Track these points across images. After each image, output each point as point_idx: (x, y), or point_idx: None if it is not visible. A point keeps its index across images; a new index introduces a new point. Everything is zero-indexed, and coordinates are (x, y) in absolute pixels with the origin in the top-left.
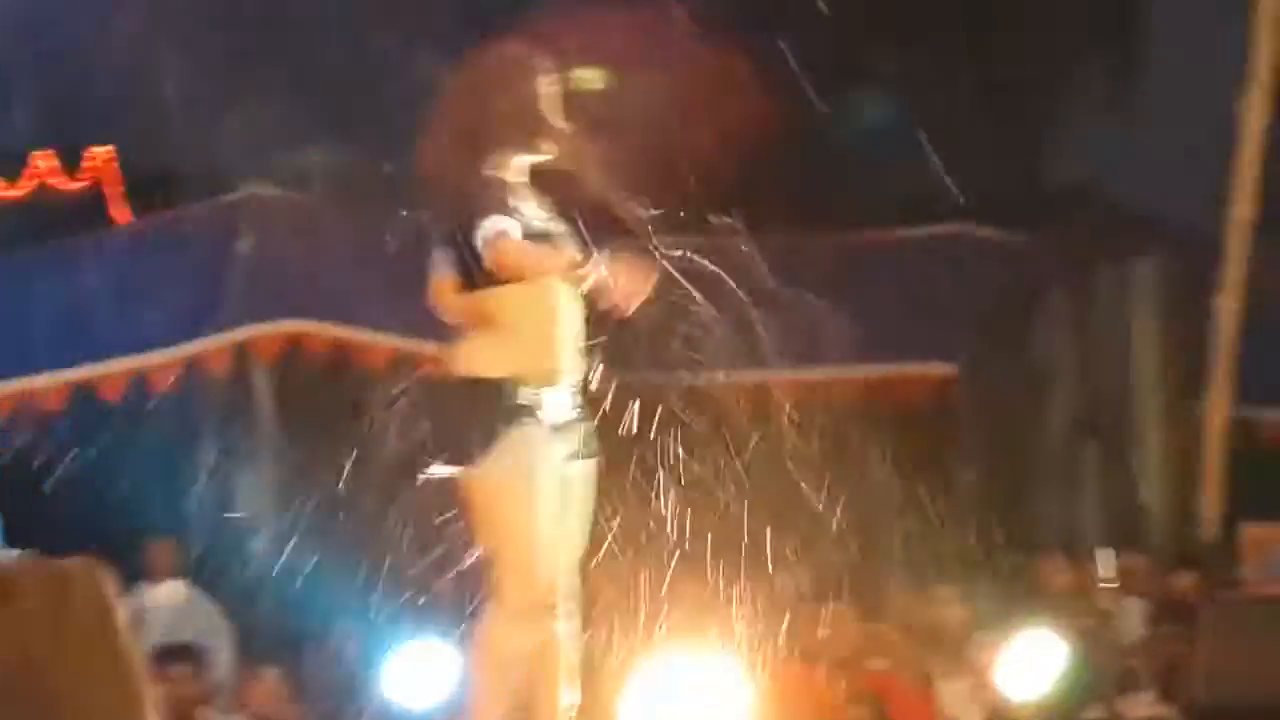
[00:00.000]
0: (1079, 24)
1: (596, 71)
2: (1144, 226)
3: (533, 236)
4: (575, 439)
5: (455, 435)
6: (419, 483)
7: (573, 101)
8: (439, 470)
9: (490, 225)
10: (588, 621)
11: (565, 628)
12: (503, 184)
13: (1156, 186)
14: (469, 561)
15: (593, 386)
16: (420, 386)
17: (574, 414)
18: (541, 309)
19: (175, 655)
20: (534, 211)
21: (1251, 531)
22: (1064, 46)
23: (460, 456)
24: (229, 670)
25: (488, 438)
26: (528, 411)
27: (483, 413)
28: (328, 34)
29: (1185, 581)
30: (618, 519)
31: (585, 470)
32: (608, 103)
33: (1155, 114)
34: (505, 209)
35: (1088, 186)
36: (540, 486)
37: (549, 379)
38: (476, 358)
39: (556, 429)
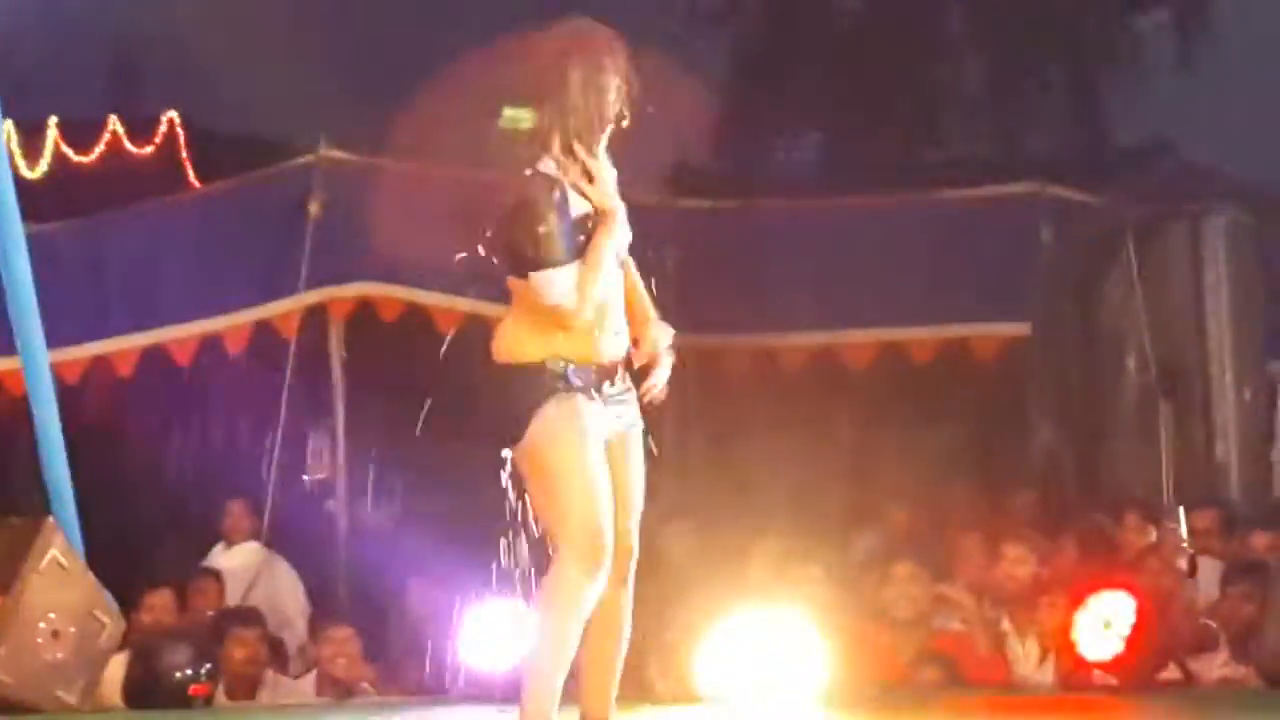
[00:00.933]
0: None
1: (526, 111)
2: (1215, 182)
3: (586, 221)
4: (622, 411)
5: (500, 413)
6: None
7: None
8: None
9: (543, 281)
10: (659, 583)
11: (624, 592)
12: (552, 183)
13: (1226, 142)
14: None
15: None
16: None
17: (618, 387)
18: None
19: (245, 617)
20: (595, 191)
21: None
22: (1132, 4)
23: (507, 432)
24: (303, 631)
25: (528, 411)
26: (570, 386)
27: (525, 390)
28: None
29: (1260, 541)
30: (689, 480)
31: (634, 441)
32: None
33: (1224, 71)
34: (556, 228)
35: (1158, 144)
36: (587, 448)
37: (588, 359)
38: (512, 342)
39: (600, 401)
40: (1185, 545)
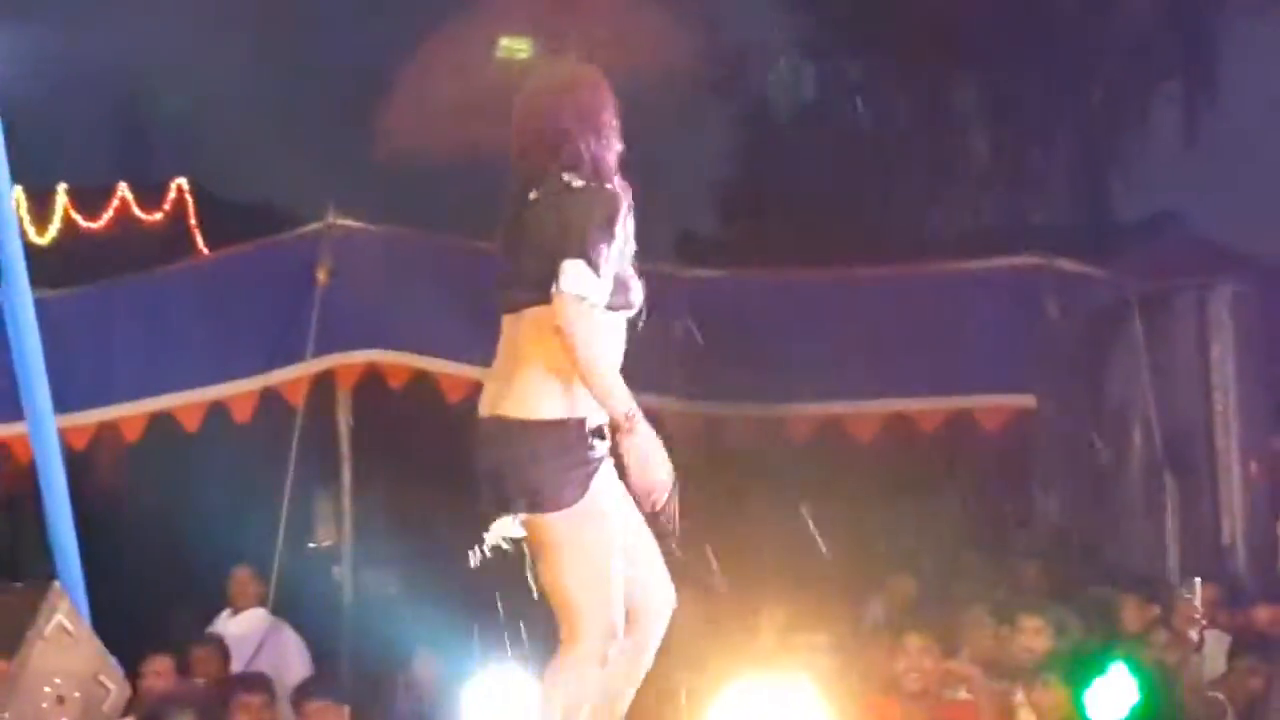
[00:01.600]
0: (1154, 56)
1: (524, 41)
2: (1221, 255)
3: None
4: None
5: (543, 476)
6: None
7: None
8: (503, 528)
9: (575, 274)
10: (665, 650)
11: (635, 671)
12: (619, 200)
13: (1233, 215)
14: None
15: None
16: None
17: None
18: (610, 343)
19: (250, 684)
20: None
21: None
22: (1139, 78)
23: (553, 498)
24: None
25: (585, 478)
26: (592, 449)
27: (572, 452)
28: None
29: (1265, 615)
30: (695, 548)
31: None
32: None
33: (1230, 144)
34: (607, 237)
35: (1164, 216)
36: (611, 526)
37: (602, 418)
38: (530, 396)
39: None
40: (1198, 617)
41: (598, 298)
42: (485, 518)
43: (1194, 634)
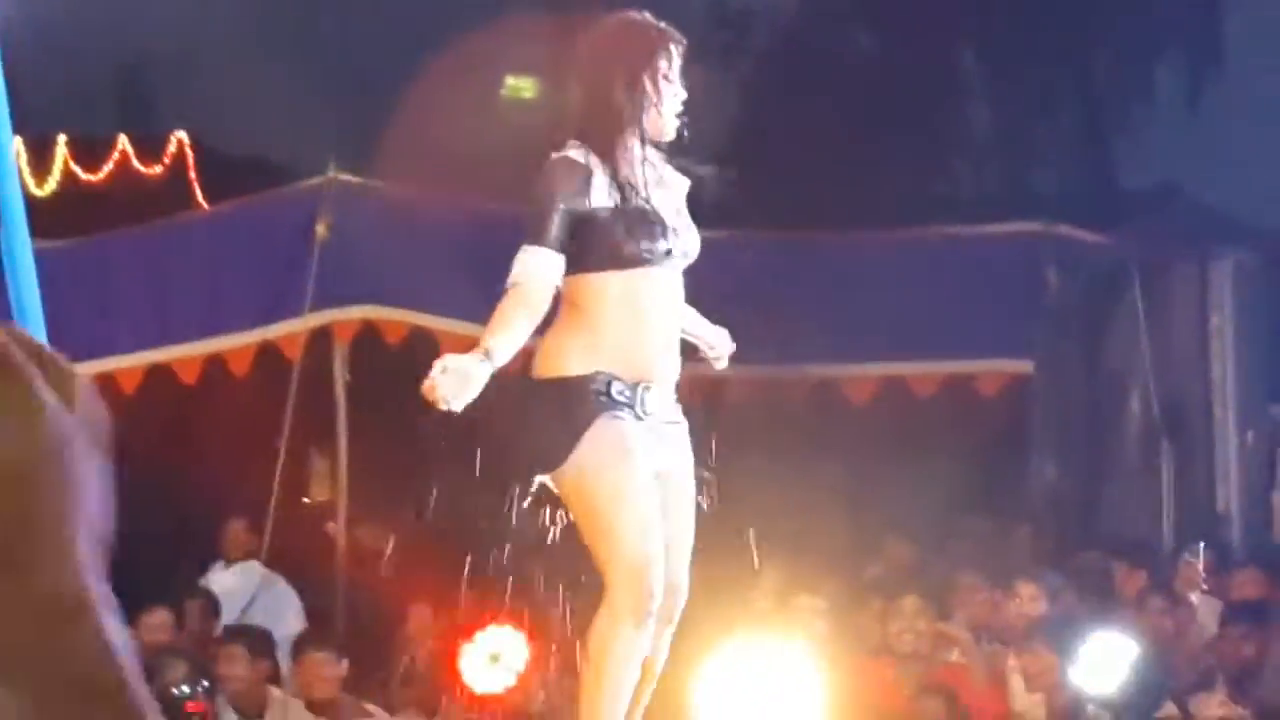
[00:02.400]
0: (1158, 24)
1: (528, 80)
2: (1223, 225)
3: (632, 217)
4: (672, 441)
5: (540, 434)
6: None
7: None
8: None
9: (519, 259)
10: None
11: (666, 630)
12: (573, 166)
13: (1235, 186)
14: (543, 551)
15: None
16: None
17: (669, 414)
18: (629, 301)
19: (243, 636)
20: (635, 193)
21: None
22: (1143, 46)
23: (547, 456)
24: None
25: (574, 434)
26: (615, 405)
27: (568, 408)
28: (410, 27)
29: (1258, 581)
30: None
31: (685, 474)
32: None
33: (1234, 114)
34: (545, 210)
35: (1166, 185)
36: (636, 479)
37: (637, 376)
38: (557, 353)
39: (650, 428)
40: (1199, 574)
41: (529, 277)
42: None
43: (1194, 598)
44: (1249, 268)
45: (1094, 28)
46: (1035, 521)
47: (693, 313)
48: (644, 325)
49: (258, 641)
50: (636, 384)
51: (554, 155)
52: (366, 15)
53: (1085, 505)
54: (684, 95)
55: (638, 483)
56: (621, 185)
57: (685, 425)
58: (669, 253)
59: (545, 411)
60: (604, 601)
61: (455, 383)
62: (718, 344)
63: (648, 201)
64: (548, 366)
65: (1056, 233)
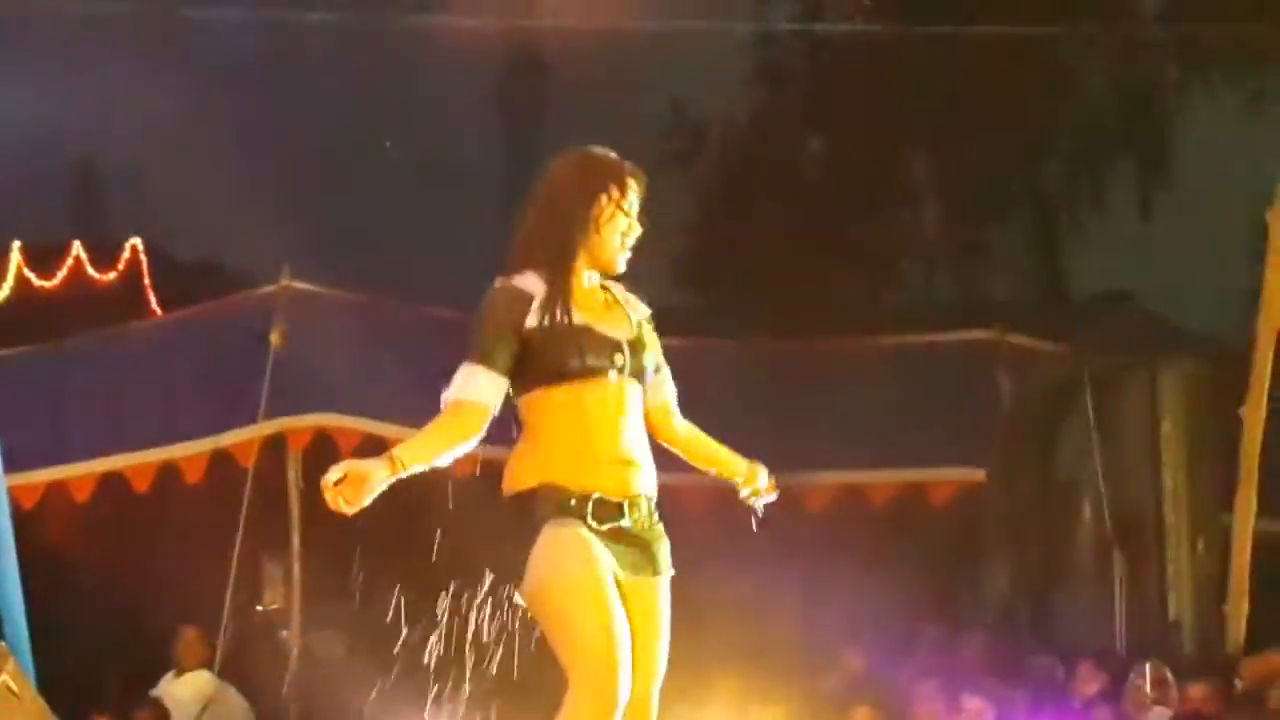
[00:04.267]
0: (1109, 134)
1: None
2: (1172, 333)
3: (573, 333)
4: (639, 552)
5: (513, 553)
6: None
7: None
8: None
9: (459, 376)
10: None
11: None
12: (514, 294)
13: (1185, 294)
14: (495, 660)
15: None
16: (454, 486)
17: (636, 524)
18: (573, 412)
19: None
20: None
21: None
22: (1094, 155)
23: (510, 570)
24: None
25: (526, 545)
26: (567, 511)
27: (521, 522)
28: (363, 137)
29: (1204, 692)
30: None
31: (653, 586)
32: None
33: (1184, 222)
34: (483, 332)
35: (1117, 294)
36: (592, 577)
37: (586, 487)
38: (512, 471)
39: (606, 535)
40: (1147, 696)
41: (463, 394)
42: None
43: (1144, 715)
44: (1200, 376)
45: (1045, 137)
46: (989, 629)
47: (724, 450)
48: (590, 436)
49: None
50: (586, 495)
51: (499, 281)
52: (321, 124)
53: (1038, 613)
54: (638, 231)
55: (591, 580)
56: (564, 309)
57: (664, 540)
58: (615, 367)
59: (507, 526)
60: (565, 702)
61: (352, 489)
62: (749, 479)
63: (589, 324)
64: (507, 483)
65: (1008, 341)
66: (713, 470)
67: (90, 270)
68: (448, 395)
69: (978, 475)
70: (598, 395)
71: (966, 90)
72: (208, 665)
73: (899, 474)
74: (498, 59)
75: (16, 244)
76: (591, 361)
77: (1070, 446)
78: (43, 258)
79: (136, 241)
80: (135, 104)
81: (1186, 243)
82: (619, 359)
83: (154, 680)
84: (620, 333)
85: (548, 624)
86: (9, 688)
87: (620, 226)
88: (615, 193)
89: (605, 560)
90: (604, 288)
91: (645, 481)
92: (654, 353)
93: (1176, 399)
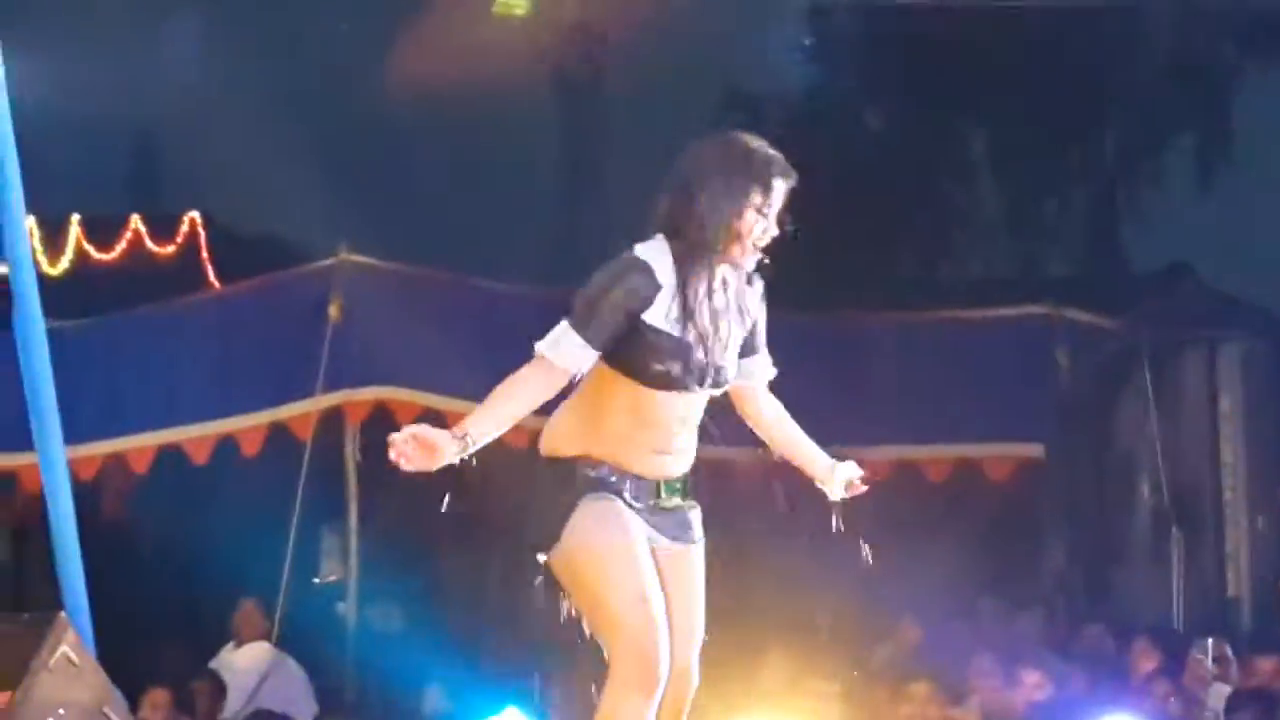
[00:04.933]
0: (1169, 106)
1: None
2: (1232, 309)
3: (674, 345)
4: (673, 522)
5: (535, 511)
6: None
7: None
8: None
9: (561, 335)
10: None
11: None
12: (640, 267)
13: (1245, 269)
14: (554, 631)
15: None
16: (508, 457)
17: (672, 501)
18: (637, 413)
19: None
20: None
21: None
22: (1153, 129)
23: (540, 535)
24: None
25: (560, 515)
26: (605, 486)
27: (557, 489)
28: (425, 110)
29: (1266, 666)
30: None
31: (688, 555)
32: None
33: (1244, 197)
34: (600, 303)
35: (1176, 269)
36: (627, 547)
37: (629, 471)
38: (555, 432)
39: (647, 511)
40: (1209, 673)
41: (555, 357)
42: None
43: (1204, 692)
44: (1258, 351)
45: (1105, 110)
46: (1046, 605)
47: (806, 443)
48: (646, 436)
49: None
50: (624, 474)
51: (637, 251)
52: (382, 96)
53: (1095, 589)
54: (775, 232)
55: (629, 550)
56: (683, 312)
57: (696, 509)
58: (697, 383)
59: (540, 489)
60: (609, 676)
61: (420, 453)
62: (829, 479)
63: (700, 337)
64: (546, 443)
65: (1066, 316)
66: (791, 459)
67: (149, 243)
68: (540, 346)
69: (1035, 451)
70: (671, 402)
71: (1024, 63)
72: (266, 637)
73: (955, 449)
74: (551, 29)
75: (76, 217)
76: (681, 379)
77: (1128, 422)
78: (102, 230)
79: (195, 214)
80: (194, 76)
81: (1245, 217)
82: (708, 377)
83: (213, 652)
84: (719, 351)
85: (583, 594)
86: (69, 658)
87: (756, 228)
88: (758, 195)
89: (641, 530)
90: (723, 288)
91: (683, 464)
92: (755, 333)
93: (1235, 374)
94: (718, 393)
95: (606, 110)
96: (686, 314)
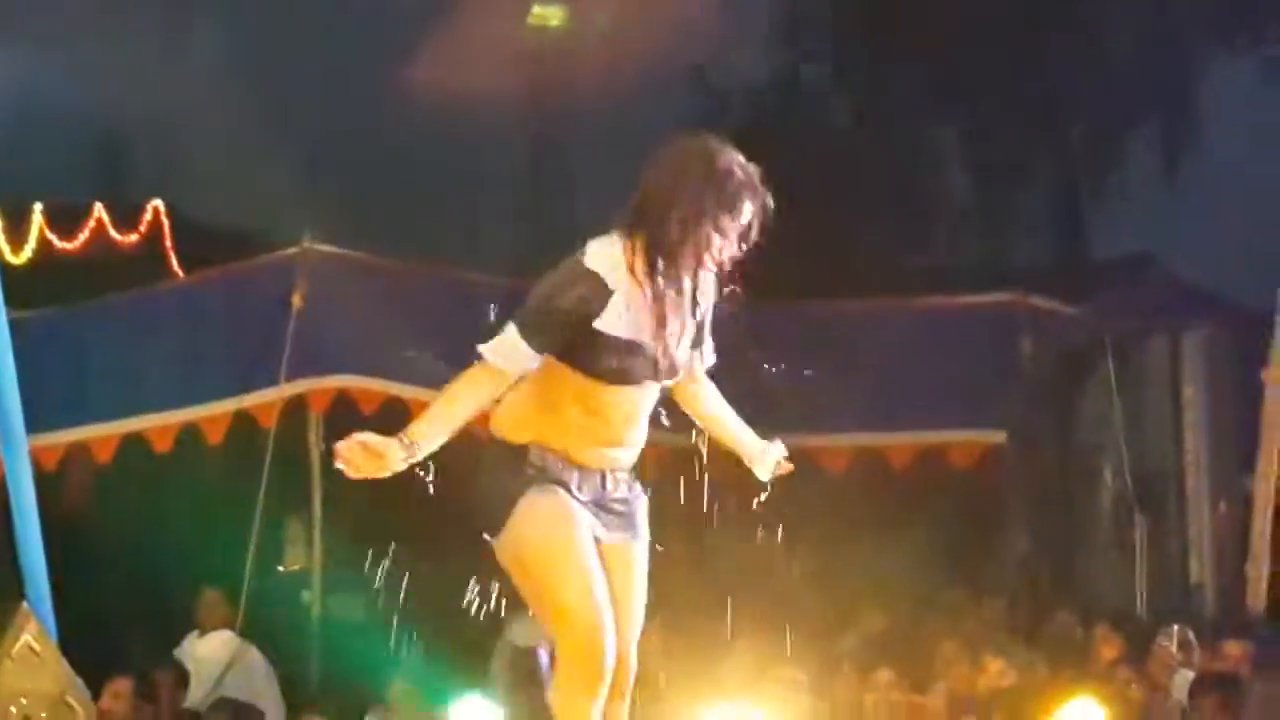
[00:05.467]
0: (1133, 96)
1: (556, 8)
2: (1195, 297)
3: (623, 347)
4: (618, 515)
5: (490, 499)
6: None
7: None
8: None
9: (507, 338)
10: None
11: (621, 706)
12: (590, 280)
13: (1208, 258)
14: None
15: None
16: (467, 445)
17: (618, 492)
18: (588, 404)
19: (223, 710)
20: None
21: None
22: (1118, 119)
23: (487, 518)
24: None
25: (507, 501)
26: (552, 478)
27: (504, 474)
28: (386, 98)
29: (1231, 653)
30: (662, 579)
31: (631, 548)
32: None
33: (1208, 187)
34: (544, 308)
35: (1140, 257)
36: (573, 542)
37: (577, 461)
38: (505, 415)
39: (593, 503)
40: (1174, 658)
41: (499, 362)
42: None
43: (1168, 678)
44: (1221, 339)
45: (1070, 100)
46: (1009, 592)
47: (740, 431)
48: (596, 428)
49: (245, 716)
50: (572, 465)
51: (589, 253)
52: (343, 85)
53: (1058, 576)
54: (735, 251)
55: (575, 545)
56: (634, 313)
57: (643, 499)
58: (649, 378)
59: (486, 472)
60: (556, 667)
61: (367, 460)
62: (759, 459)
63: (653, 336)
64: (496, 425)
65: (1031, 304)
66: (722, 441)
67: (112, 232)
68: (485, 350)
69: (998, 438)
70: (620, 396)
71: (991, 50)
72: (230, 626)
73: (919, 436)
74: (521, 19)
75: (38, 206)
76: (631, 372)
77: (1091, 409)
78: (65, 219)
79: (158, 203)
80: (157, 66)
81: (1209, 205)
82: (659, 375)
83: (176, 640)
84: (681, 340)
85: (529, 586)
86: (31, 647)
87: (714, 246)
88: (724, 216)
89: (587, 525)
90: (673, 290)
91: (631, 456)
92: (704, 326)
93: (1198, 362)
94: (670, 384)
95: (574, 98)
96: (638, 315)
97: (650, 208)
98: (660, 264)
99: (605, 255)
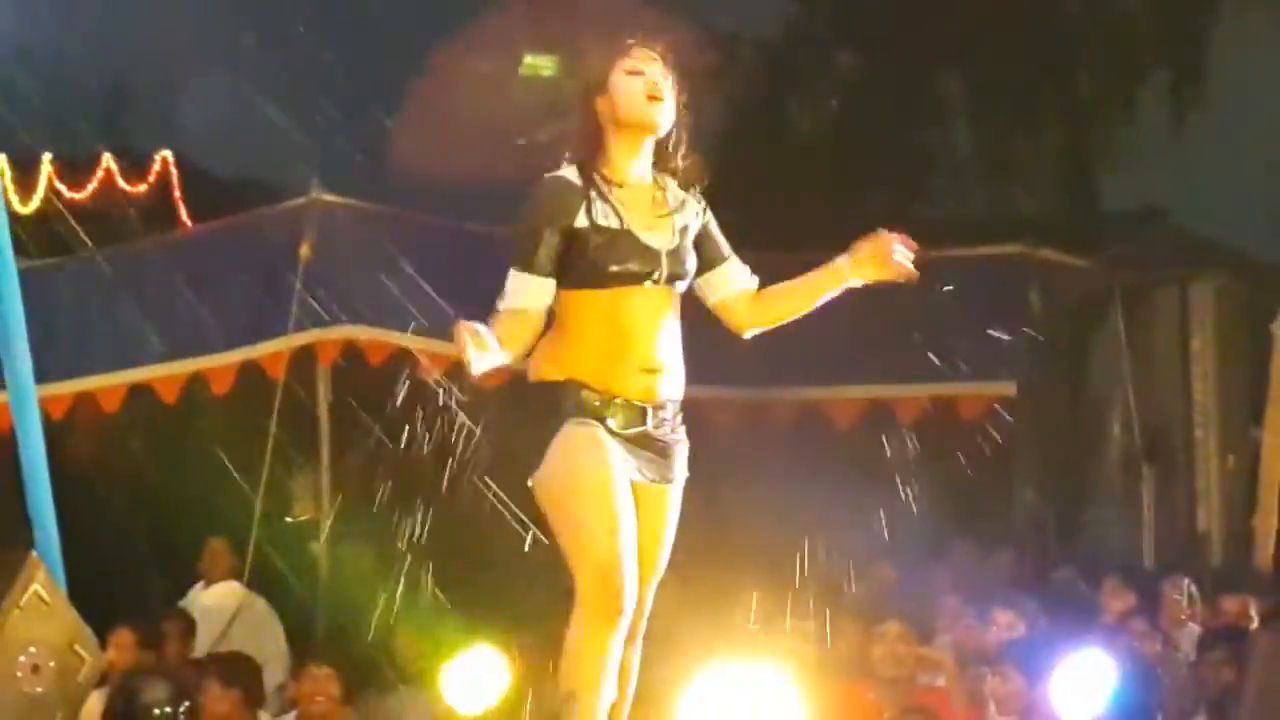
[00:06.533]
0: (1142, 47)
1: (548, 59)
2: (1205, 249)
3: (612, 237)
4: (655, 456)
5: (523, 440)
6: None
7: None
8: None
9: (512, 285)
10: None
11: (632, 649)
12: (561, 185)
13: (1217, 209)
14: (525, 566)
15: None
16: (480, 392)
17: (660, 431)
18: (608, 319)
19: (215, 665)
20: (624, 215)
21: None
22: (1126, 69)
23: (528, 458)
24: (280, 671)
25: (544, 438)
26: (586, 413)
27: (542, 413)
28: (394, 49)
29: (1237, 606)
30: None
31: (664, 492)
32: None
33: (1217, 138)
34: (527, 234)
35: (1149, 209)
36: (605, 479)
37: (611, 391)
38: (539, 360)
39: (627, 440)
40: (1184, 611)
41: (514, 302)
42: None
43: (1178, 632)
44: (1230, 291)
45: (1078, 50)
46: (1017, 544)
47: (805, 277)
48: (622, 343)
49: (228, 669)
50: (610, 398)
51: (548, 176)
52: (351, 37)
53: (1066, 528)
54: (663, 84)
55: (605, 481)
56: (607, 205)
57: (684, 443)
58: (652, 276)
59: (527, 414)
60: (575, 605)
61: (480, 350)
62: (851, 271)
63: (631, 228)
64: (532, 370)
65: (1039, 256)
66: (819, 297)
67: (120, 182)
68: (502, 305)
69: (1007, 389)
70: (634, 301)
71: (999, 2)
72: (236, 576)
73: (928, 388)
74: None
75: (47, 156)
76: (631, 268)
77: (1100, 361)
78: (73, 170)
79: (167, 154)
80: (165, 15)
81: (1219, 157)
82: (657, 268)
83: (183, 591)
84: (661, 240)
85: (557, 520)
86: (40, 596)
87: (633, 84)
88: (622, 60)
89: (621, 464)
90: (657, 183)
91: (672, 386)
92: (712, 245)
93: (1207, 314)
94: (681, 288)
95: (580, 54)
96: (608, 207)
97: (578, 107)
98: (610, 147)
99: (564, 171)
